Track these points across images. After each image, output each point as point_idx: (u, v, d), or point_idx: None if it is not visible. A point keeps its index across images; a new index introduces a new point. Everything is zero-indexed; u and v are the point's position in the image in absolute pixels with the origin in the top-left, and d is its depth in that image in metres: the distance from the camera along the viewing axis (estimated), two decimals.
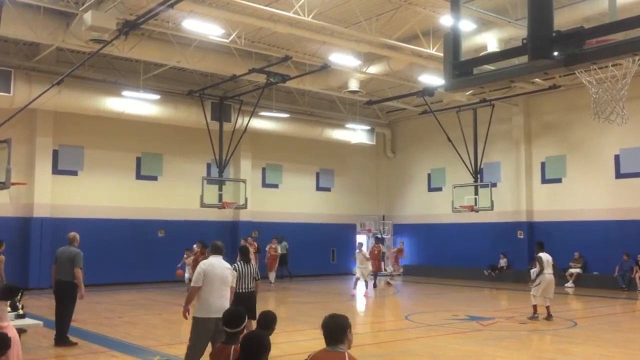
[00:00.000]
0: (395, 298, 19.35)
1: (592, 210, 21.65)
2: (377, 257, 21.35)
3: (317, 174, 27.95)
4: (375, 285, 21.23)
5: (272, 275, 22.28)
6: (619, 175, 21.29)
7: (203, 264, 7.40)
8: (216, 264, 7.39)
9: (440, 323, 13.10)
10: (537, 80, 19.78)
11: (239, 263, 9.60)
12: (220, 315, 6.91)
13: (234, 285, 7.77)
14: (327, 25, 15.43)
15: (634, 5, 12.18)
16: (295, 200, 26.71)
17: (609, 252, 20.66)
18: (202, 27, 15.61)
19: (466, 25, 15.59)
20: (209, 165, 24.09)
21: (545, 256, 13.70)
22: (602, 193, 21.55)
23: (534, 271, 14.34)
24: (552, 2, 3.90)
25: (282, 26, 15.40)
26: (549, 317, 13.47)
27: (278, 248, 23.10)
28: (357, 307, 16.98)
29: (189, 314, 7.43)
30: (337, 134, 26.44)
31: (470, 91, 21.10)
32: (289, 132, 25.24)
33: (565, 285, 21.49)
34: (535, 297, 13.63)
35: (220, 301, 7.12)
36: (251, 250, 19.74)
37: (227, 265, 7.53)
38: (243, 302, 8.38)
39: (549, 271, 13.59)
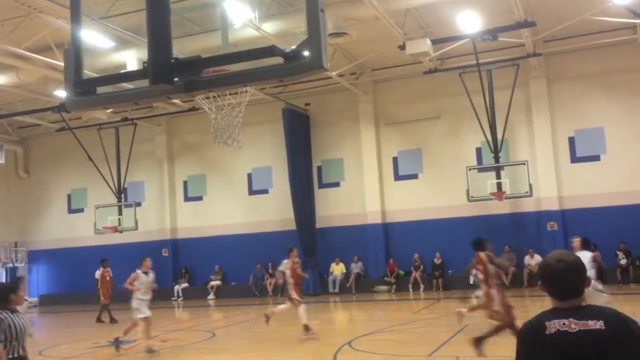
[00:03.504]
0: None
1: (229, 225, 23.30)
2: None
3: None
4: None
5: None
6: (251, 192, 23.44)
7: None
8: None
9: (80, 354, 12.33)
10: (177, 101, 20.42)
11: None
12: None
13: None
14: None
15: (245, 41, 13.65)
16: None
17: (245, 263, 22.49)
18: None
19: (104, 41, 15.25)
20: None
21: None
22: (238, 208, 23.40)
23: None
24: (170, 29, 4.00)
25: None
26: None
27: None
28: None
29: None
30: None
31: (110, 110, 20.59)
32: None
33: (208, 297, 22.61)
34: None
35: None
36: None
37: None
38: None
39: None
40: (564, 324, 2.61)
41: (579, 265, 2.72)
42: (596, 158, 19.51)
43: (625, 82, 19.21)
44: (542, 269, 2.78)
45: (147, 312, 11.62)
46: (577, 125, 19.70)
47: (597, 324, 2.57)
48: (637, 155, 18.92)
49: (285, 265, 12.35)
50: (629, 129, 19.14)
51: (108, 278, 17.70)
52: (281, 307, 12.64)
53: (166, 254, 24.21)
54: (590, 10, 15.97)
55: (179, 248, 24.35)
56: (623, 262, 18.56)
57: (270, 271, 22.32)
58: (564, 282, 2.70)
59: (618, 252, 18.66)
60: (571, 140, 19.80)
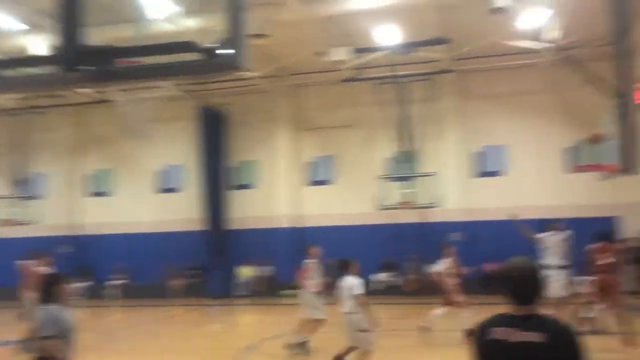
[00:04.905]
0: None
1: (136, 223, 22.54)
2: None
3: None
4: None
5: None
6: (160, 190, 22.83)
7: None
8: None
9: None
10: (87, 91, 19.57)
11: None
12: None
13: None
14: None
15: (166, 35, 13.30)
16: None
17: (152, 262, 21.83)
18: None
19: (14, 24, 14.42)
20: None
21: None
22: (146, 206, 22.70)
23: None
24: (79, 15, 3.84)
25: None
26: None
27: None
28: None
29: None
30: None
31: (17, 96, 19.48)
32: None
33: (111, 296, 21.76)
34: None
35: None
36: None
37: None
38: None
39: None
40: (506, 332, 2.69)
41: (534, 273, 2.82)
42: (500, 173, 20.54)
43: (530, 103, 20.31)
44: (500, 274, 2.88)
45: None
46: (484, 141, 20.65)
47: (539, 336, 2.62)
48: (538, 173, 20.04)
49: (444, 265, 10.94)
50: (532, 148, 20.26)
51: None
52: (436, 312, 10.96)
53: (68, 250, 23.08)
54: (500, 34, 16.76)
55: (82, 244, 23.28)
56: None
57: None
58: (517, 288, 2.79)
59: None
60: (478, 156, 20.72)
